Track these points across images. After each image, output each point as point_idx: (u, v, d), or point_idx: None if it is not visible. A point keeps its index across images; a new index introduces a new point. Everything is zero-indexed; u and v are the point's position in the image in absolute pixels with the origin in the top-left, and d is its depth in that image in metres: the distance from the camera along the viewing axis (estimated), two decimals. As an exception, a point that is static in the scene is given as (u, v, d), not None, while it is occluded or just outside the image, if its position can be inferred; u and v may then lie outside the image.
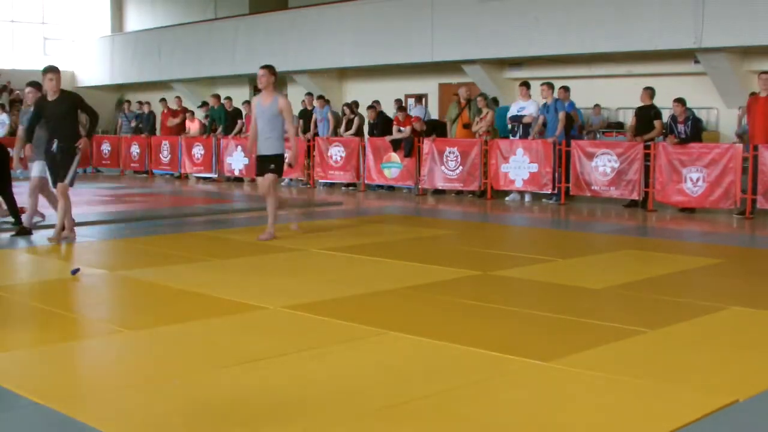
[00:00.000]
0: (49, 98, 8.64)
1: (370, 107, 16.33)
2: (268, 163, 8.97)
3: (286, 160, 9.01)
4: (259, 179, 9.20)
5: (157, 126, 21.46)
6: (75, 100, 8.85)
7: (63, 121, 8.61)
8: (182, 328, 5.24)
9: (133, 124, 21.36)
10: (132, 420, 3.65)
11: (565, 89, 13.95)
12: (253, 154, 9.34)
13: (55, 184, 8.87)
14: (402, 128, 15.26)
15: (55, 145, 8.65)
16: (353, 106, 16.80)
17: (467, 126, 14.74)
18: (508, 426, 3.58)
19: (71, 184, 8.81)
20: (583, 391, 4.04)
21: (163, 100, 21.48)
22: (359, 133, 16.49)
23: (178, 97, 21.52)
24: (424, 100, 19.36)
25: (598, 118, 17.72)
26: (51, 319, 5.60)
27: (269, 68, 8.98)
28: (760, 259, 8.28)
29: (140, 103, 22.23)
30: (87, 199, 14.09)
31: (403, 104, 17.37)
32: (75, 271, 6.96)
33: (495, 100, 15.77)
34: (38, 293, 6.47)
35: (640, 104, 13.01)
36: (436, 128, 15.38)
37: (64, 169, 8.71)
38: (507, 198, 14.07)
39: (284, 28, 22.06)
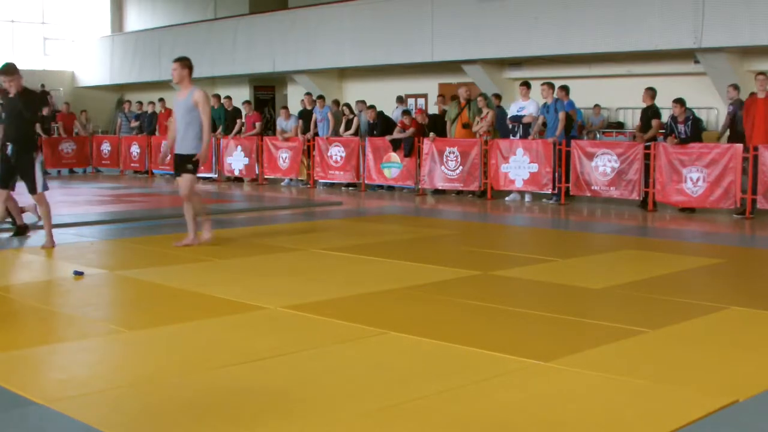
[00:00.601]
0: (11, 95, 8.17)
1: (369, 107, 16.32)
2: (184, 163, 8.48)
3: (195, 158, 8.39)
4: (178, 179, 8.75)
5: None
6: (34, 98, 8.41)
7: (17, 121, 8.15)
8: (182, 328, 5.24)
9: (134, 124, 21.35)
10: (132, 420, 3.65)
11: (563, 89, 13.91)
12: (171, 154, 8.72)
13: (5, 186, 8.43)
14: (405, 130, 15.25)
15: (9, 149, 8.20)
16: (336, 104, 16.90)
17: (467, 126, 14.73)
18: (508, 426, 3.58)
19: (45, 188, 8.43)
20: (583, 391, 4.03)
21: (161, 100, 21.43)
22: (358, 133, 16.50)
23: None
24: (406, 100, 19.35)
25: (598, 118, 17.73)
26: (51, 318, 5.60)
27: (180, 61, 8.51)
28: (760, 259, 8.28)
29: (140, 103, 22.22)
30: (87, 199, 14.11)
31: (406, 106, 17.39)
32: (78, 273, 6.97)
33: (497, 96, 15.67)
34: (38, 293, 6.48)
35: (643, 105, 13.04)
36: (437, 123, 15.36)
37: (30, 182, 8.30)
38: (507, 198, 14.06)
39: (284, 28, 22.06)
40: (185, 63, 8.52)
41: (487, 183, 14.11)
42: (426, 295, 6.19)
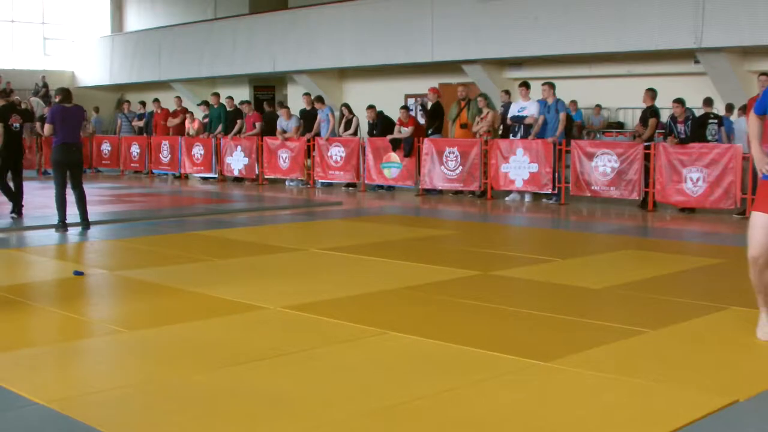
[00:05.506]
0: None
1: (369, 107, 16.32)
2: None
3: None
4: None
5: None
6: None
7: None
8: (182, 328, 5.24)
9: (135, 123, 21.35)
10: (132, 420, 3.66)
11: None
12: None
13: None
14: (404, 128, 15.25)
15: None
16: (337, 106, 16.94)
17: (465, 126, 14.73)
18: (508, 426, 3.58)
19: None
20: (583, 391, 4.03)
21: (156, 100, 21.30)
22: (357, 132, 16.51)
23: (178, 97, 21.50)
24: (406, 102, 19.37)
25: (599, 118, 17.74)
26: (51, 318, 5.60)
27: None
28: (760, 259, 8.26)
29: (143, 103, 22.19)
30: (87, 199, 14.06)
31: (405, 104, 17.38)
32: (79, 273, 6.96)
33: (506, 92, 15.72)
34: (38, 293, 6.47)
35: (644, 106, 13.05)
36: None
37: None
38: (507, 198, 14.06)
39: (284, 28, 22.07)
40: None
41: (487, 183, 14.11)
42: (426, 295, 6.19)
